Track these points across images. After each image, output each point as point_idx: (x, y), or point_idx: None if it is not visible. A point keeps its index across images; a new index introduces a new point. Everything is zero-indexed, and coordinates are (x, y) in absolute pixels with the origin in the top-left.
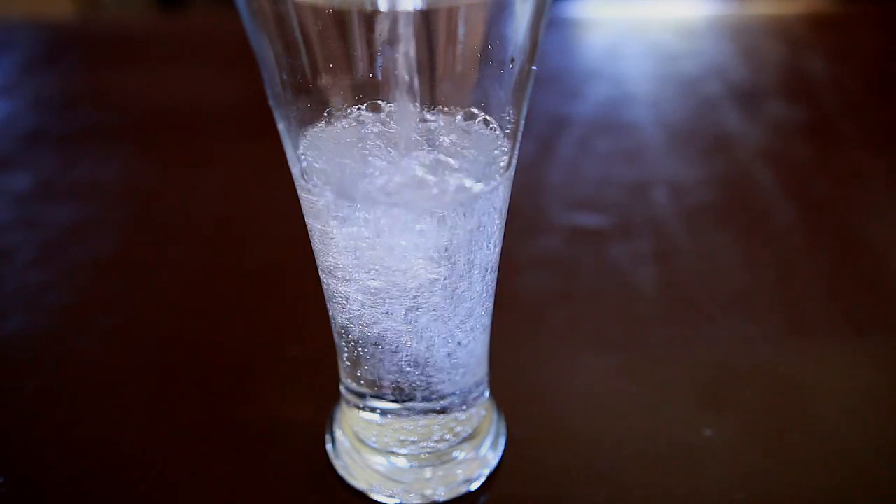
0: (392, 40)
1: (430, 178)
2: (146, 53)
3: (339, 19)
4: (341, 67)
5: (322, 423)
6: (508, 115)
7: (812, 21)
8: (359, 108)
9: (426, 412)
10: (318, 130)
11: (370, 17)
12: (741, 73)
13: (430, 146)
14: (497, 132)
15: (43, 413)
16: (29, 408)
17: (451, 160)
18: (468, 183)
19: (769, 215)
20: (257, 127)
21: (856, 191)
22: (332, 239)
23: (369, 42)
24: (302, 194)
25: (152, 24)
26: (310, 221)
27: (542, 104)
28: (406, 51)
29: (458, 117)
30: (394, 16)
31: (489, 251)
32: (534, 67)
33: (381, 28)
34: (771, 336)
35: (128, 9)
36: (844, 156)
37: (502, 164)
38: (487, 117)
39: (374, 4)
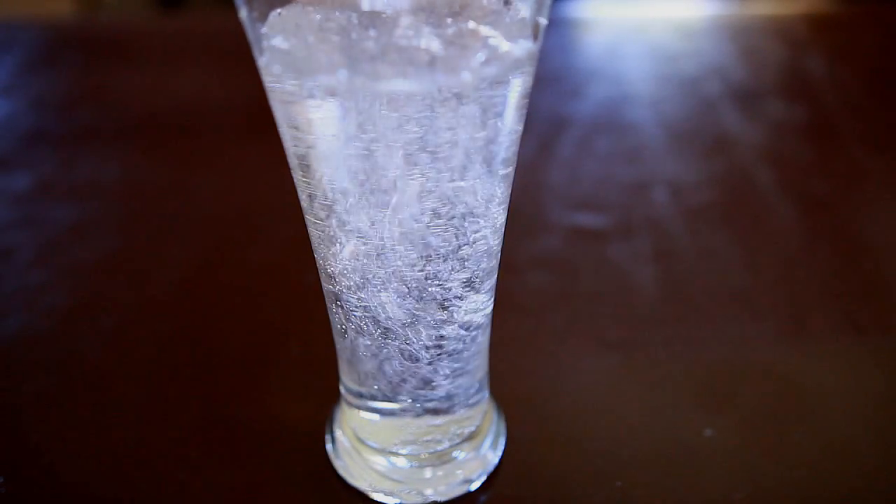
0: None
1: (436, 47)
2: (146, 53)
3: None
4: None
5: (322, 423)
6: None
7: (812, 21)
8: None
9: (426, 412)
10: (286, 11)
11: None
12: (741, 73)
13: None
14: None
15: (43, 413)
16: (29, 408)
17: (464, 26)
18: (492, 52)
19: (769, 215)
20: (257, 127)
21: (856, 191)
22: (316, 162)
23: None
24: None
25: (152, 24)
26: (290, 150)
27: (542, 104)
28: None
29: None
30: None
31: (498, 203)
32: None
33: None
34: (771, 336)
35: (128, 9)
36: (844, 156)
37: (527, 44)
38: None
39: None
